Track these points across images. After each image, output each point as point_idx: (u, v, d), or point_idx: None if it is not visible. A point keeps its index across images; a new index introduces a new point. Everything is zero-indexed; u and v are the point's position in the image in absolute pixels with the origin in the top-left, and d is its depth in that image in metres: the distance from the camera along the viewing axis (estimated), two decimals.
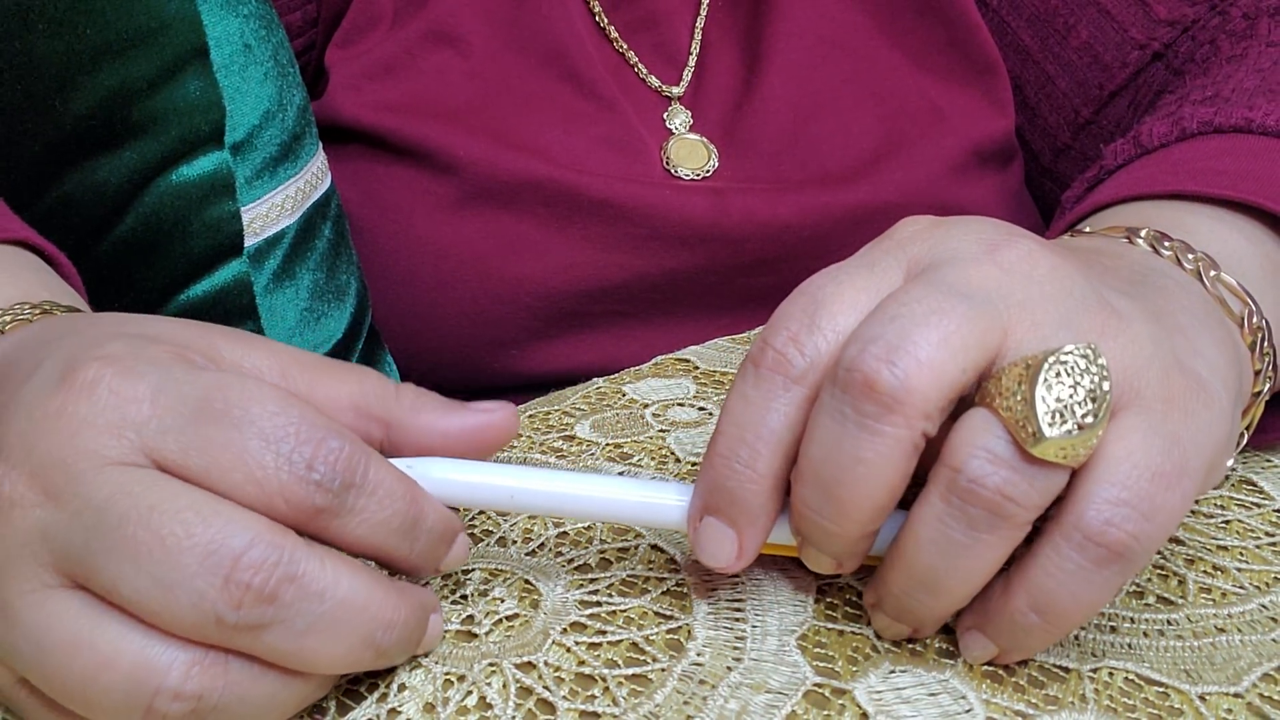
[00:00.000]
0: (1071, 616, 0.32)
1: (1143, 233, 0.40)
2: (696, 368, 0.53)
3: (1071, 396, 0.30)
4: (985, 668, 0.34)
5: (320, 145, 0.61)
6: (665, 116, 0.68)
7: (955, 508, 0.31)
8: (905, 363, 0.31)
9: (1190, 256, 0.39)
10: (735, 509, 0.34)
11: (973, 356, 0.31)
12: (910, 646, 0.35)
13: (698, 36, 0.70)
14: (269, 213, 0.56)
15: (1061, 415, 0.30)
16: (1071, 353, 0.31)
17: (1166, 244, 0.39)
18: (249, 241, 0.55)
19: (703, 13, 0.71)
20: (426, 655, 0.34)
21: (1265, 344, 0.39)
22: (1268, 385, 0.39)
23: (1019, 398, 0.30)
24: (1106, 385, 0.30)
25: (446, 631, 0.35)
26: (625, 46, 0.69)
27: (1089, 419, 0.30)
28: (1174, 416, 0.32)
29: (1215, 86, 0.53)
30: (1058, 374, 0.30)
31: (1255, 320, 0.39)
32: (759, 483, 0.33)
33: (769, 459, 0.33)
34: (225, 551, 0.29)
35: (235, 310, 0.55)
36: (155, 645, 0.29)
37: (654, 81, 0.69)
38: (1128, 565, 0.31)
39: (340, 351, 0.60)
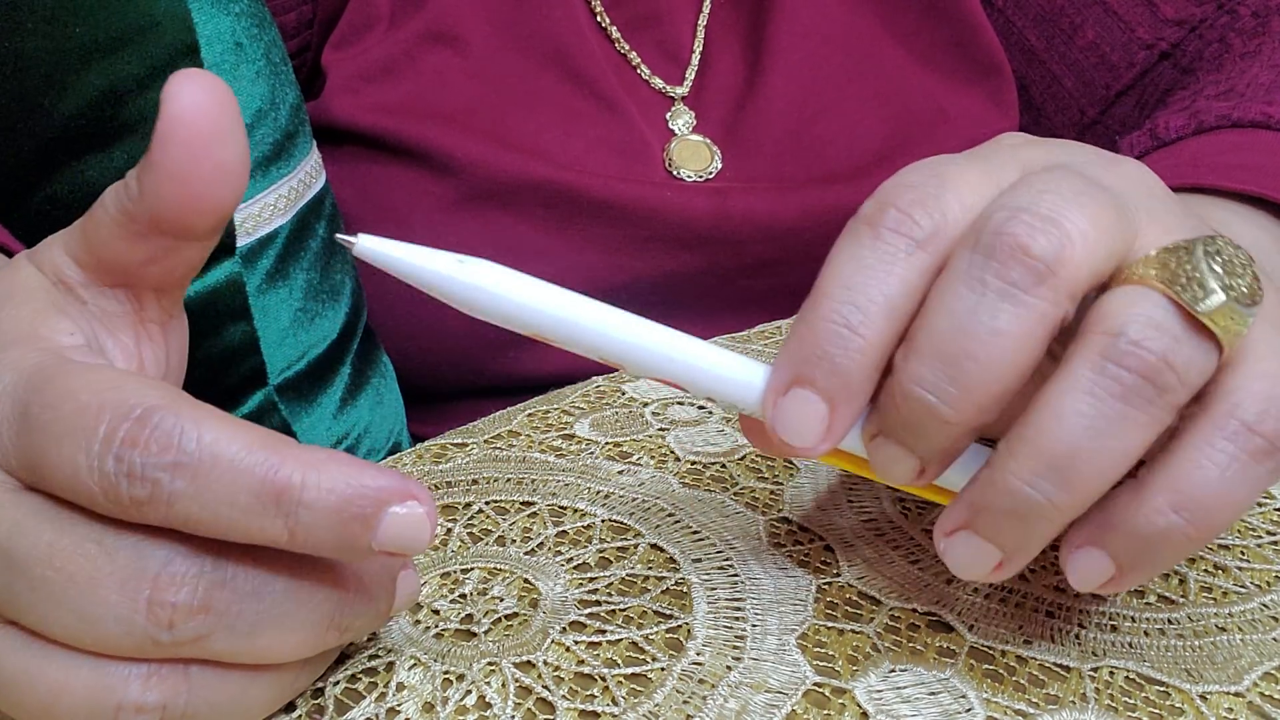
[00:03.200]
0: (1218, 516, 0.29)
1: None
2: None
3: (1231, 271, 0.29)
4: (985, 667, 0.34)
5: (314, 144, 0.60)
6: (668, 117, 0.68)
7: (1109, 376, 0.28)
8: (1060, 232, 0.28)
9: None
10: (835, 379, 0.30)
11: (1117, 243, 0.29)
12: (910, 645, 0.35)
13: (700, 35, 0.70)
14: (261, 212, 0.56)
15: (1228, 284, 0.29)
16: (1218, 238, 0.29)
17: None
18: (241, 241, 0.55)
19: (705, 11, 0.71)
20: (425, 654, 0.34)
21: None
22: None
23: (1182, 264, 0.29)
24: (1256, 272, 0.29)
25: (445, 630, 0.35)
26: (627, 47, 0.69)
27: (1254, 292, 0.29)
28: None
29: (1230, 81, 0.53)
30: (1218, 249, 0.29)
31: None
32: (867, 352, 0.30)
33: (882, 327, 0.30)
34: (140, 575, 0.27)
35: (227, 310, 0.55)
36: (106, 665, 0.28)
37: (657, 82, 0.69)
38: (1276, 460, 0.29)
39: (335, 352, 0.60)
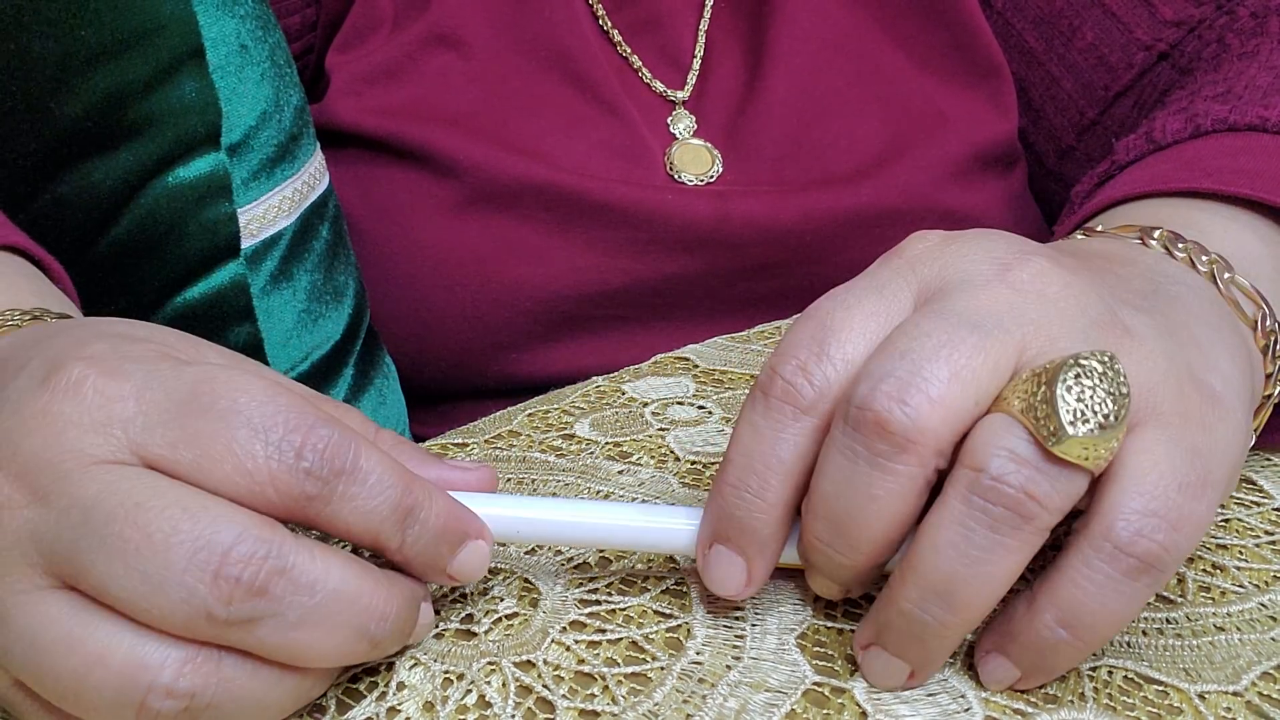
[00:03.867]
0: (1101, 630, 0.31)
1: (1156, 233, 0.40)
2: (696, 366, 0.53)
3: (1092, 397, 0.30)
4: None
5: (318, 146, 0.61)
6: (669, 121, 0.68)
7: (976, 508, 0.30)
8: (917, 400, 0.31)
9: (1204, 259, 0.39)
10: (744, 538, 0.34)
11: (985, 388, 0.31)
12: None
13: (701, 39, 0.70)
14: (266, 214, 0.56)
15: (1083, 415, 0.30)
16: (1090, 357, 0.30)
17: (1180, 245, 0.39)
18: (246, 243, 0.55)
19: (706, 15, 0.71)
20: (425, 653, 0.34)
21: (1278, 347, 0.39)
22: (1278, 389, 0.39)
23: (1039, 398, 0.30)
24: (1125, 388, 0.30)
25: (446, 630, 0.35)
26: (629, 50, 0.69)
27: (1111, 419, 0.30)
28: (1192, 430, 0.32)
29: (1228, 83, 0.53)
30: (1077, 376, 0.30)
31: (1269, 324, 0.38)
32: (768, 512, 0.33)
33: (779, 489, 0.33)
34: (214, 546, 0.29)
35: (232, 312, 0.55)
36: (147, 643, 0.29)
37: (658, 86, 0.69)
38: (1157, 576, 0.31)
39: (338, 353, 0.60)
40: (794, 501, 0.34)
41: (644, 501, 0.42)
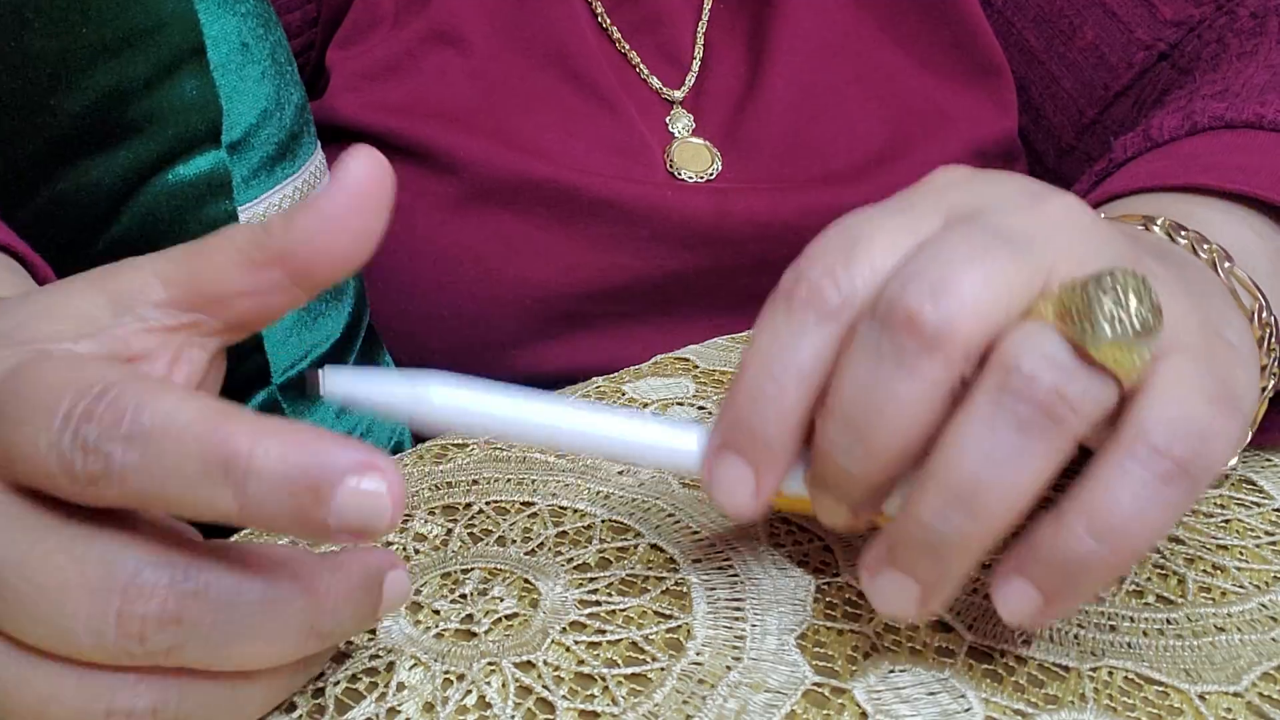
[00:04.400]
0: (1134, 540, 0.30)
1: (1159, 221, 0.40)
2: (696, 366, 0.53)
3: (1128, 305, 0.29)
4: (984, 667, 0.34)
5: (319, 144, 0.60)
6: (668, 120, 0.68)
7: (1005, 408, 0.29)
8: (949, 300, 0.29)
9: (1205, 247, 0.39)
10: (756, 446, 0.32)
11: (1016, 298, 0.30)
12: (910, 645, 0.35)
13: (700, 38, 0.70)
14: (266, 212, 0.56)
15: (1120, 320, 0.29)
16: (1124, 271, 0.30)
17: (1183, 233, 0.39)
18: None
19: (705, 14, 0.71)
20: (425, 654, 0.34)
21: (1273, 340, 0.39)
22: (1272, 382, 0.39)
23: (1076, 302, 0.29)
24: (1159, 301, 0.30)
25: (446, 630, 0.35)
26: (628, 48, 0.69)
27: (1146, 326, 0.29)
28: (1216, 363, 0.31)
29: (1225, 82, 0.53)
30: (1113, 284, 0.30)
31: (1265, 316, 0.38)
32: (784, 419, 0.32)
33: (796, 395, 0.32)
34: (109, 587, 0.27)
35: None
36: (92, 673, 0.28)
37: (656, 84, 0.69)
38: (1191, 484, 0.30)
39: (338, 351, 0.60)
40: (809, 412, 0.32)
41: (642, 494, 0.42)
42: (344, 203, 0.31)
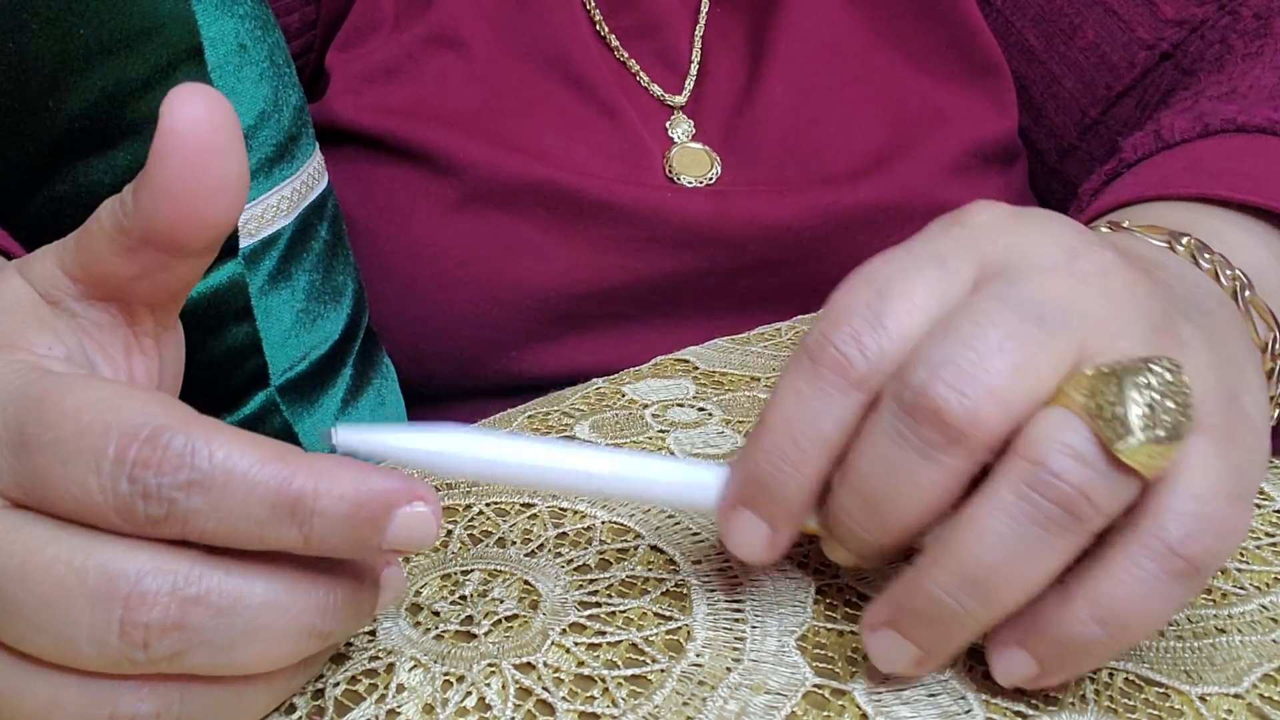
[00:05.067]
0: (1135, 630, 0.30)
1: (1184, 240, 0.40)
2: (696, 368, 0.53)
3: (1162, 403, 0.29)
4: (984, 668, 0.34)
5: (317, 146, 0.60)
6: (668, 125, 0.68)
7: (1029, 503, 0.29)
8: (977, 393, 0.29)
9: (1229, 273, 0.39)
10: (774, 506, 0.33)
11: (1045, 384, 0.30)
12: None
13: (698, 43, 0.70)
14: (264, 214, 0.56)
15: (1152, 421, 0.29)
16: (1160, 362, 0.30)
17: (1207, 256, 0.39)
18: (244, 242, 0.55)
19: (702, 19, 0.71)
20: (425, 655, 0.34)
21: None
22: (1277, 412, 0.39)
23: (1108, 397, 0.29)
24: (1191, 398, 0.30)
25: (445, 632, 0.35)
26: (626, 55, 0.69)
27: (1178, 429, 0.29)
28: (1236, 446, 0.32)
29: (1232, 83, 0.53)
30: (1147, 382, 0.29)
31: (1278, 347, 0.39)
32: (803, 485, 0.32)
33: (816, 462, 0.32)
34: (111, 595, 0.27)
35: (230, 312, 0.55)
36: (94, 683, 0.28)
37: (656, 90, 0.69)
38: (1199, 581, 0.30)
39: (337, 353, 0.60)
40: (828, 474, 0.33)
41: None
42: (176, 166, 0.29)
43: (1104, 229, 0.42)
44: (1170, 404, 0.29)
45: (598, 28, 0.69)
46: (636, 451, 0.35)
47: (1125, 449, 0.29)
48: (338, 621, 0.30)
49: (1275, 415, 0.39)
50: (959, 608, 0.30)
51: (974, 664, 0.34)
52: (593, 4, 0.69)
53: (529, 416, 0.49)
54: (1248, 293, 0.39)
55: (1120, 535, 0.30)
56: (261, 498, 0.27)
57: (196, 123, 0.29)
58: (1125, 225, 0.41)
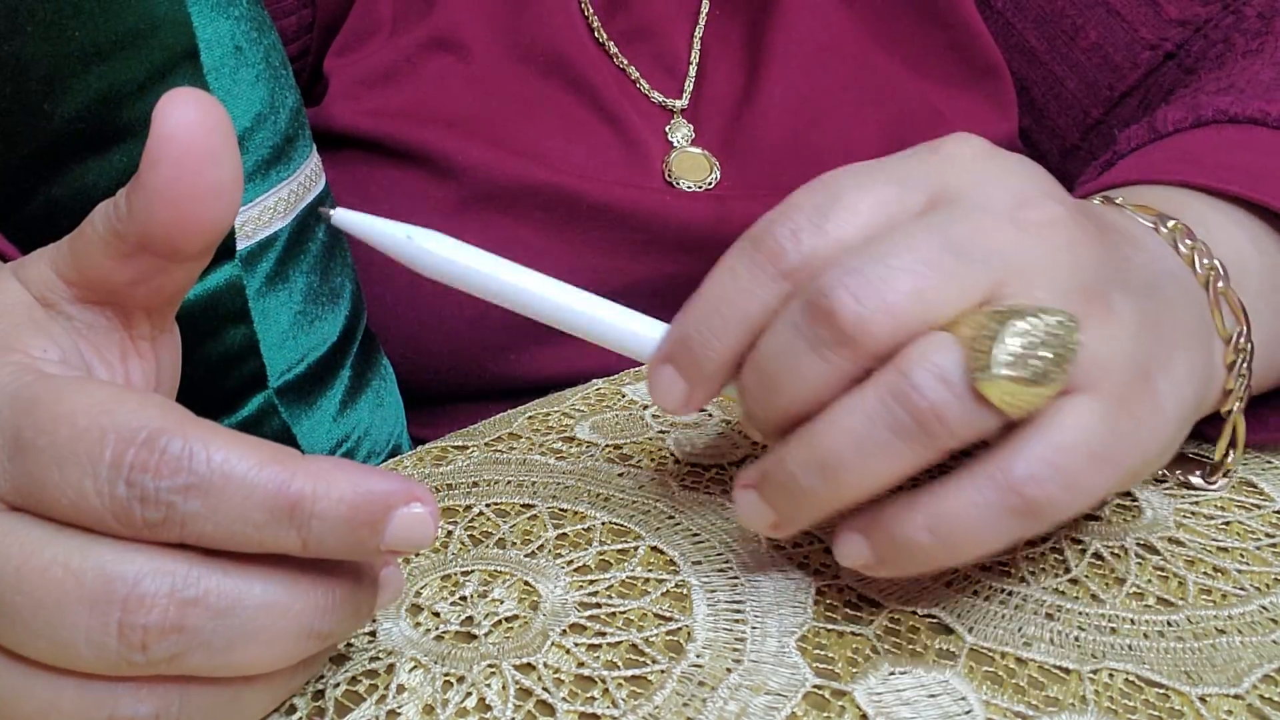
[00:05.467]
0: (962, 549, 0.32)
1: (1170, 224, 0.40)
2: None
3: (1035, 351, 0.31)
4: (985, 669, 0.34)
5: (314, 148, 0.60)
6: (667, 130, 0.68)
7: (885, 407, 0.31)
8: (873, 304, 0.31)
9: (1204, 262, 0.39)
10: (693, 368, 0.35)
11: (940, 312, 0.32)
12: (910, 648, 0.35)
13: (696, 47, 0.70)
14: (261, 215, 0.56)
15: (1018, 362, 0.30)
16: (1052, 313, 0.31)
17: (1187, 243, 0.40)
18: (241, 244, 0.55)
19: (701, 23, 0.71)
20: (425, 656, 0.34)
21: (1244, 366, 0.39)
22: (1238, 404, 0.40)
23: (985, 331, 0.31)
24: (1071, 354, 0.31)
25: (446, 632, 0.35)
26: (625, 61, 0.69)
27: (1045, 378, 0.31)
28: (1124, 416, 0.33)
29: (1231, 78, 0.53)
30: (1031, 326, 0.31)
31: (1241, 341, 0.39)
32: (720, 354, 0.35)
33: (735, 335, 0.35)
34: (109, 597, 0.27)
35: (227, 314, 0.55)
36: (92, 685, 0.28)
37: (656, 96, 0.69)
38: (1032, 524, 0.32)
39: (335, 355, 0.60)
40: (746, 348, 0.35)
41: (642, 496, 0.42)
42: (169, 171, 0.29)
43: (1096, 201, 0.42)
44: (1045, 352, 0.31)
45: (595, 33, 0.69)
46: (588, 295, 0.38)
47: (983, 379, 0.30)
48: (336, 622, 0.30)
49: (1236, 406, 0.40)
50: (809, 485, 0.33)
51: (974, 665, 0.34)
52: (590, 9, 0.69)
53: (529, 417, 0.49)
54: (1221, 284, 0.39)
55: (975, 462, 0.32)
56: (259, 501, 0.27)
57: (189, 127, 0.29)
58: (1119, 201, 0.42)
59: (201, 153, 0.29)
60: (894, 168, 0.35)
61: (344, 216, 0.35)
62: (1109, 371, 0.32)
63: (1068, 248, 0.33)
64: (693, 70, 0.70)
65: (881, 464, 0.32)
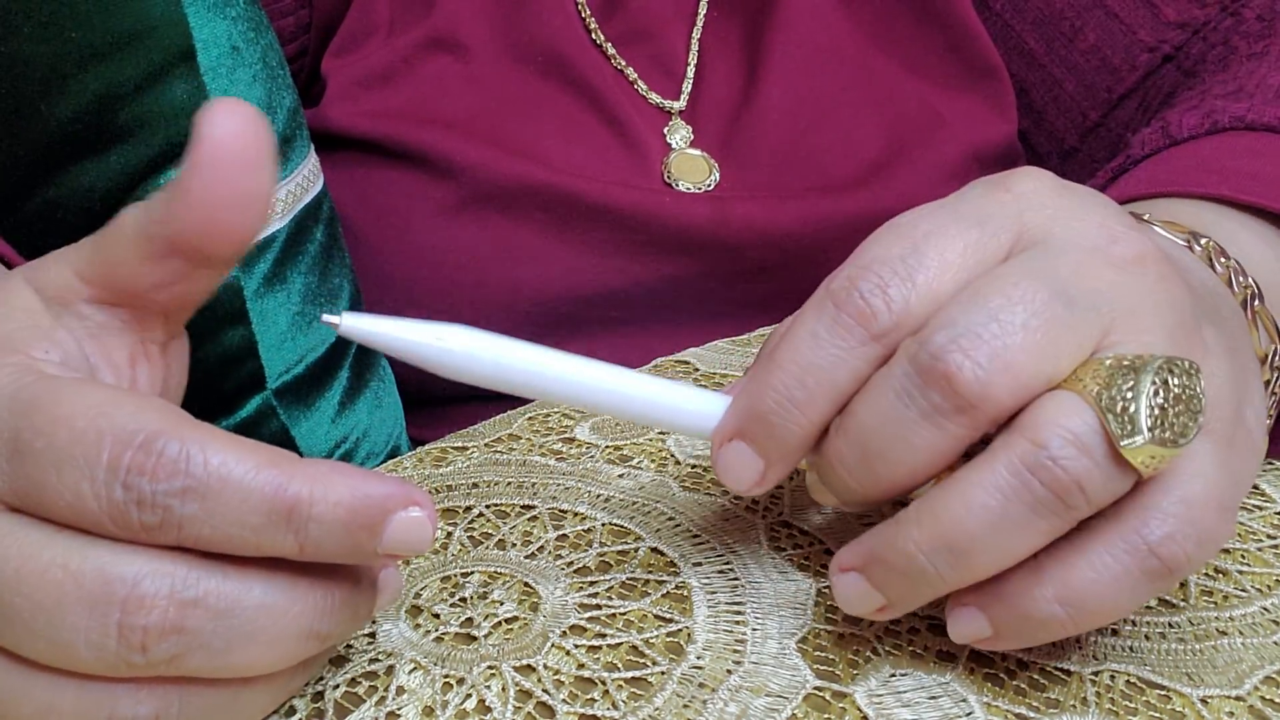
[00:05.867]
0: (1098, 618, 0.31)
1: (1203, 241, 0.40)
2: (696, 369, 0.53)
3: (1174, 406, 0.29)
4: (986, 671, 0.34)
5: (312, 148, 0.60)
6: (666, 131, 0.68)
7: (1023, 482, 0.29)
8: (993, 366, 0.29)
9: (1241, 281, 0.39)
10: (771, 443, 0.33)
11: (1062, 366, 0.30)
12: (911, 649, 0.35)
13: (694, 48, 0.70)
14: None
15: (1161, 422, 0.29)
16: (1180, 364, 0.30)
17: (1222, 261, 0.39)
18: None
19: (699, 24, 0.71)
20: (425, 657, 0.34)
21: (1277, 384, 0.39)
22: (1269, 422, 0.39)
23: (1123, 392, 0.29)
24: (1202, 404, 0.30)
25: (445, 634, 0.35)
26: (623, 62, 0.69)
27: (1184, 434, 0.29)
28: (1234, 456, 0.32)
29: (1238, 81, 0.53)
30: (1165, 381, 0.29)
31: (1277, 360, 0.39)
32: (805, 428, 0.32)
33: (823, 407, 0.32)
34: (109, 598, 0.27)
35: (225, 315, 0.55)
36: (91, 686, 0.28)
37: (654, 97, 0.69)
38: (1170, 582, 0.30)
39: (333, 356, 0.59)
40: (830, 420, 0.32)
41: (643, 497, 0.42)
42: (212, 177, 0.29)
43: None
44: (1181, 408, 0.29)
45: (593, 35, 0.69)
46: (637, 372, 0.34)
47: (1130, 447, 0.29)
48: (336, 624, 0.30)
49: (1268, 424, 0.39)
50: (932, 569, 0.31)
51: (975, 666, 0.34)
52: (587, 11, 0.69)
53: (529, 418, 0.49)
54: (1257, 303, 0.39)
55: (1103, 523, 0.30)
56: (256, 504, 0.27)
57: (235, 136, 0.29)
58: (1146, 218, 0.41)
59: (244, 163, 0.29)
60: (969, 208, 0.33)
61: (355, 323, 0.31)
62: (1216, 411, 0.32)
63: (1161, 283, 0.32)
64: (690, 72, 0.70)
65: (1016, 542, 0.30)
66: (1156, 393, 0.29)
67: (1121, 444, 0.29)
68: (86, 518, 0.27)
